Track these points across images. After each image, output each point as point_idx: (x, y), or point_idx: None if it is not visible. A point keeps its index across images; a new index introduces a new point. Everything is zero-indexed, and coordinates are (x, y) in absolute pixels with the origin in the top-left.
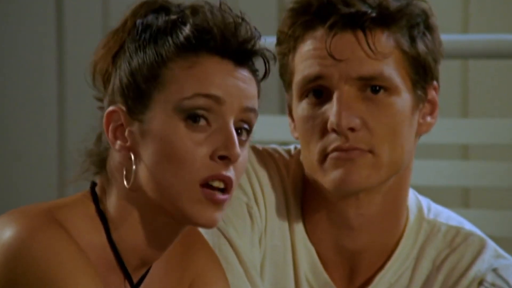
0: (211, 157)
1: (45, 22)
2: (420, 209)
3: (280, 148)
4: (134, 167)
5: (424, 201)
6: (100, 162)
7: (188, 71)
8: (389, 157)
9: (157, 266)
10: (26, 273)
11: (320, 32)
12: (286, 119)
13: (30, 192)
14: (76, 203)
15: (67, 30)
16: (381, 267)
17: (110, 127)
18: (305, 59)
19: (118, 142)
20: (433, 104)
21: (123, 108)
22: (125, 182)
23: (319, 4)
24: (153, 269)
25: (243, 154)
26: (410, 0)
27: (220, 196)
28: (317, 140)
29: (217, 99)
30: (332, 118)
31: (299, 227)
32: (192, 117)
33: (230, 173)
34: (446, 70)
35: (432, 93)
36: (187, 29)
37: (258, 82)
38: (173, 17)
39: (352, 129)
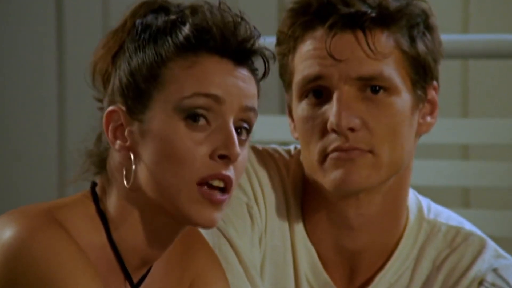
0: (211, 157)
1: (45, 22)
2: (420, 209)
3: (280, 148)
4: (133, 166)
5: (424, 201)
6: (100, 162)
7: (187, 70)
8: (389, 157)
9: (157, 266)
10: (26, 273)
11: (320, 32)
12: (286, 119)
13: (30, 192)
14: (76, 203)
15: (67, 30)
16: (381, 267)
17: (110, 127)
18: (305, 59)
19: (118, 142)
20: (433, 104)
21: (123, 108)
22: (125, 182)
23: (318, 4)
24: (153, 269)
25: (243, 153)
26: (410, 0)
27: (219, 196)
28: (317, 140)
29: (216, 99)
30: (332, 118)
31: (299, 227)
32: (192, 117)
33: (230, 172)
34: (446, 70)
35: (432, 93)
36: (186, 29)
37: (258, 81)
38: (173, 17)
39: (352, 129)
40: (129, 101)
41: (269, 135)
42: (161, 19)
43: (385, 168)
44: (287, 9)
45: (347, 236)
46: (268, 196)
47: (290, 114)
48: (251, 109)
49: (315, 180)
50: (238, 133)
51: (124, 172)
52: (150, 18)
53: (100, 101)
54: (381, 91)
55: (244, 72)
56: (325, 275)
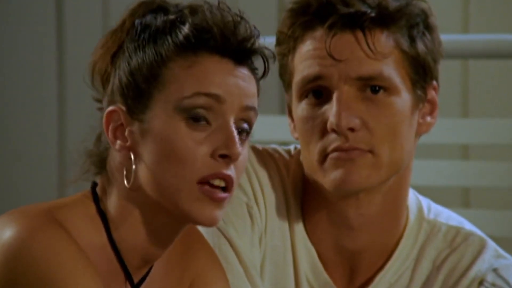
0: (212, 156)
1: (45, 22)
2: (420, 209)
3: (280, 148)
4: (134, 166)
5: (424, 201)
6: (100, 162)
7: (188, 70)
8: (389, 157)
9: (158, 266)
10: (26, 273)
11: (319, 32)
12: (286, 119)
13: (30, 192)
14: (76, 203)
15: (67, 30)
16: (381, 267)
17: (110, 127)
18: (305, 60)
19: (118, 142)
20: (432, 104)
21: (123, 108)
22: (125, 182)
23: (318, 4)
24: (153, 269)
25: (243, 153)
26: (409, 0)
27: (221, 194)
28: (317, 140)
29: (217, 98)
30: (331, 118)
31: (299, 227)
32: (192, 116)
33: (231, 171)
34: (446, 70)
35: (431, 93)
36: (186, 29)
37: (258, 80)
38: (172, 16)
39: (352, 129)
40: (129, 101)
41: (269, 135)
42: (160, 19)
43: (385, 168)
44: (286, 9)
45: (347, 236)
46: (268, 196)
47: (290, 114)
48: (252, 109)
49: (315, 180)
50: (239, 133)
51: (125, 172)
52: (149, 18)
53: (99, 101)
54: (381, 91)
55: (244, 72)
56: (325, 275)
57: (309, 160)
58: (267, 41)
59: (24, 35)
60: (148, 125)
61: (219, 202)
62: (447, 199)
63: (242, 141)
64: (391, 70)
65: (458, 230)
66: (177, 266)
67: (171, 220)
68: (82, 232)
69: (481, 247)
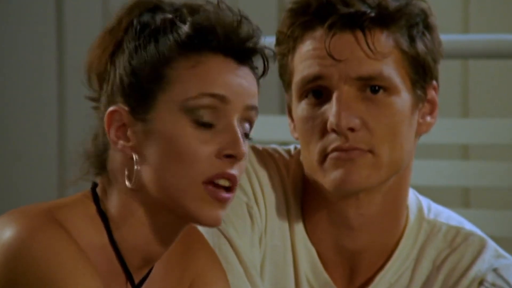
0: (217, 156)
1: (45, 22)
2: (420, 209)
3: (280, 148)
4: (136, 167)
5: (424, 201)
6: (99, 163)
7: (192, 70)
8: (389, 157)
9: (158, 266)
10: (26, 273)
11: (319, 32)
12: (286, 119)
13: (30, 192)
14: (76, 203)
15: (67, 30)
16: (381, 267)
17: (112, 127)
18: (305, 60)
19: (121, 142)
20: (432, 104)
21: (125, 108)
22: (127, 182)
23: (318, 4)
24: (153, 269)
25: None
26: (409, 0)
27: (225, 194)
28: (317, 140)
29: (222, 98)
30: (331, 118)
31: (299, 227)
32: (199, 117)
33: (235, 171)
34: (446, 70)
35: (431, 93)
36: (189, 28)
37: (258, 79)
38: (172, 16)
39: (351, 129)
40: (132, 101)
41: (269, 135)
42: (160, 18)
43: (385, 168)
44: (286, 9)
45: (347, 236)
46: (268, 196)
47: (290, 114)
48: (254, 108)
49: (315, 180)
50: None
51: (127, 173)
52: (148, 17)
53: (93, 100)
54: (381, 91)
55: (246, 71)
56: (325, 275)
57: (309, 160)
58: (267, 41)
59: (24, 35)
60: (151, 125)
61: (223, 203)
62: (447, 199)
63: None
64: (391, 70)
65: (458, 230)
66: (177, 266)
67: (172, 219)
68: (82, 232)
69: (481, 247)
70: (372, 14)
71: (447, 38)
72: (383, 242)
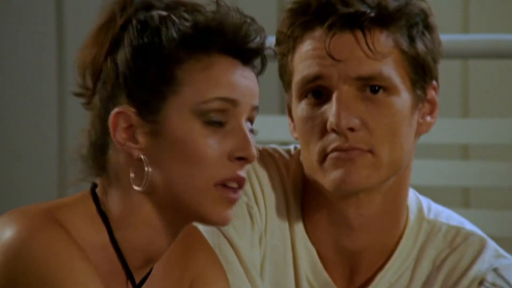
0: (229, 158)
1: (45, 22)
2: (420, 209)
3: (280, 148)
4: (146, 169)
5: (424, 201)
6: (98, 164)
7: (203, 73)
8: (388, 157)
9: (158, 266)
10: (26, 273)
11: (319, 32)
12: (286, 119)
13: (30, 192)
14: (76, 203)
15: (67, 30)
16: (381, 267)
17: (118, 129)
18: (304, 60)
19: (128, 143)
20: (432, 103)
21: (132, 109)
22: (134, 184)
23: (318, 4)
24: (154, 269)
25: None
26: (409, 0)
27: (235, 195)
28: (316, 140)
29: (233, 102)
30: (331, 118)
31: (299, 227)
32: (210, 119)
33: (244, 173)
34: (446, 70)
35: (431, 93)
36: (196, 29)
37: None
38: (173, 14)
39: (351, 129)
40: (140, 102)
41: (269, 135)
42: (160, 17)
43: (385, 168)
44: (286, 9)
45: (347, 236)
46: (268, 196)
47: (290, 114)
48: (257, 108)
49: (315, 180)
50: None
51: (132, 174)
52: (147, 14)
53: (80, 95)
54: (381, 91)
55: (250, 71)
56: (325, 275)
57: (309, 160)
58: (268, 41)
59: (24, 35)
60: (161, 126)
61: (233, 203)
62: (447, 199)
63: None
64: (391, 70)
65: (458, 230)
66: (177, 266)
67: (177, 219)
68: (82, 232)
69: (481, 247)
70: (372, 14)
71: (447, 38)
72: (383, 242)
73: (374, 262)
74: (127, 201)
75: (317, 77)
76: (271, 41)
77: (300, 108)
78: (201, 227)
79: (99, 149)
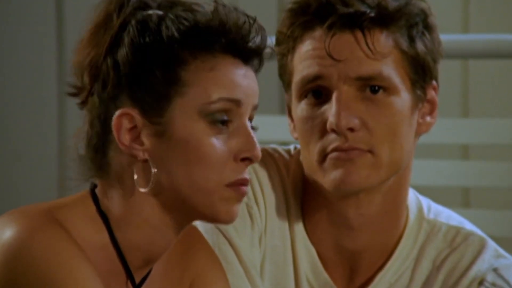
0: (235, 159)
1: (45, 22)
2: (420, 209)
3: (280, 148)
4: (154, 170)
5: (424, 201)
6: (97, 165)
7: (209, 73)
8: (388, 157)
9: (157, 266)
10: (26, 273)
11: (318, 32)
12: (286, 119)
13: (30, 192)
14: (76, 203)
15: (67, 30)
16: (381, 267)
17: (122, 130)
18: (304, 60)
19: (133, 145)
20: (432, 104)
21: (135, 110)
22: (139, 185)
23: (317, 4)
24: (153, 269)
25: None
26: (409, 0)
27: (243, 189)
28: (316, 140)
29: (237, 102)
30: (331, 118)
31: (299, 227)
32: (217, 120)
33: (248, 173)
34: (446, 70)
35: (431, 93)
36: (199, 29)
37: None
38: (172, 14)
39: (351, 129)
40: (144, 103)
41: (269, 135)
42: (159, 16)
43: (384, 168)
44: (286, 9)
45: (347, 236)
46: (268, 196)
47: (290, 114)
48: (257, 107)
49: (315, 180)
50: None
51: (136, 175)
52: (145, 15)
53: (73, 95)
54: (380, 91)
55: (250, 70)
56: (325, 275)
57: (309, 160)
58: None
59: (24, 35)
60: (166, 127)
61: (241, 199)
62: (447, 199)
63: None
64: (391, 70)
65: (458, 230)
66: (177, 266)
67: (178, 219)
68: (82, 232)
69: (481, 247)
70: (372, 14)
71: (447, 38)
72: (383, 242)
73: (374, 262)
74: (129, 201)
75: (317, 77)
76: (271, 41)
77: (300, 108)
78: (200, 226)
79: (99, 150)
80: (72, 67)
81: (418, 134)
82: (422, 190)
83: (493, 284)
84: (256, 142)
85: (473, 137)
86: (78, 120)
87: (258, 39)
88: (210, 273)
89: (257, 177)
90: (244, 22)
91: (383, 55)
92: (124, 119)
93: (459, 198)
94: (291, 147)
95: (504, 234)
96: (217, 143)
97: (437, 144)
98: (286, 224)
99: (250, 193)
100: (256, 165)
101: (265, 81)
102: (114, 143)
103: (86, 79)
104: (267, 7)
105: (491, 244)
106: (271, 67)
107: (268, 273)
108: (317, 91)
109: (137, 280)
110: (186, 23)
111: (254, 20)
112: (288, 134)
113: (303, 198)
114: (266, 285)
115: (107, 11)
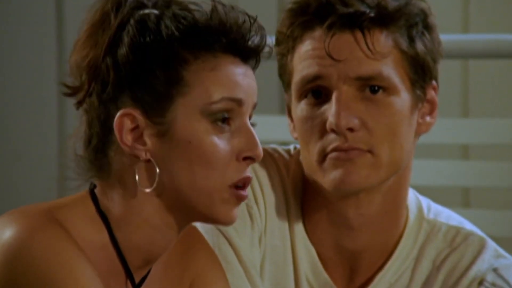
0: (237, 159)
1: (45, 22)
2: (420, 209)
3: (280, 148)
4: (158, 170)
5: (424, 201)
6: (97, 166)
7: (211, 73)
8: (388, 157)
9: (157, 266)
10: (26, 273)
11: (318, 32)
12: (286, 119)
13: (30, 192)
14: (76, 203)
15: (67, 30)
16: (381, 267)
17: (124, 130)
18: (304, 59)
19: (136, 145)
20: (432, 103)
21: (137, 110)
22: (139, 185)
23: (317, 4)
24: (153, 269)
25: None
26: (408, 0)
27: (244, 192)
28: (316, 140)
29: (238, 101)
30: (331, 118)
31: (299, 227)
32: (219, 120)
33: (249, 172)
34: (446, 70)
35: (431, 93)
36: (199, 29)
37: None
38: (170, 14)
39: (351, 129)
40: (146, 104)
41: (269, 135)
42: (157, 16)
43: (384, 168)
44: (286, 9)
45: (347, 236)
46: (268, 196)
47: (290, 114)
48: (256, 105)
49: (314, 180)
50: None
51: (137, 176)
52: (144, 14)
53: (69, 95)
54: (380, 91)
55: (249, 69)
56: (325, 275)
57: (309, 160)
58: (267, 41)
59: (24, 35)
60: (168, 127)
61: (240, 202)
62: (447, 199)
63: None
64: (390, 70)
65: (458, 230)
66: (177, 266)
67: (179, 219)
68: (82, 232)
69: (481, 247)
70: (372, 14)
71: (447, 38)
72: (383, 242)
73: (374, 262)
74: (129, 201)
75: (316, 77)
76: (271, 40)
77: (300, 108)
78: (200, 227)
79: (99, 150)
80: (69, 68)
81: (418, 134)
82: (422, 190)
83: (493, 284)
84: (258, 141)
85: (473, 137)
86: (78, 120)
87: (257, 38)
88: (210, 273)
89: (257, 177)
90: (244, 21)
91: (382, 55)
92: (126, 119)
93: (459, 198)
94: (291, 147)
95: (504, 234)
96: (219, 142)
97: (437, 144)
98: (286, 224)
99: (250, 193)
100: (256, 165)
101: (265, 81)
102: (115, 144)
103: (84, 79)
104: (267, 7)
105: (491, 244)
106: (271, 67)
107: (268, 273)
108: (317, 91)
109: (137, 280)
110: (185, 22)
111: (255, 19)
112: (288, 134)
113: (303, 198)
114: (266, 285)
115: (104, 11)
